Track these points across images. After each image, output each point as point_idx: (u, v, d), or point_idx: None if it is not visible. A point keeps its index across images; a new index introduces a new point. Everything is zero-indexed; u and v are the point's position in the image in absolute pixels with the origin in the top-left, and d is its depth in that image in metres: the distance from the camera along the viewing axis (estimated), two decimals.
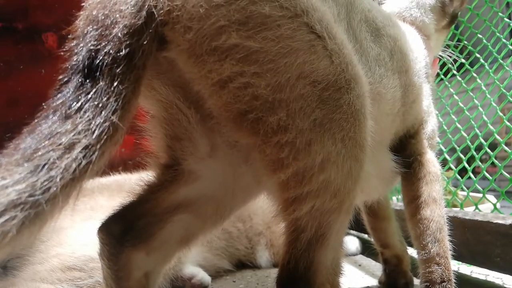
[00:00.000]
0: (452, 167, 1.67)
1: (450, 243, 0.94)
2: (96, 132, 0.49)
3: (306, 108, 0.59)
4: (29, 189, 0.43)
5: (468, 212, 1.29)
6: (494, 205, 1.34)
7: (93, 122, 0.49)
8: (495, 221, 1.11)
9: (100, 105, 0.50)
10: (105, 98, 0.50)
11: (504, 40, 1.51)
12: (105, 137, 0.49)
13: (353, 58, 0.66)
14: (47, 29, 1.84)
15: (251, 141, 0.61)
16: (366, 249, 1.69)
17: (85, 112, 0.49)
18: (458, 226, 0.99)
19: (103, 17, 0.54)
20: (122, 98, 0.52)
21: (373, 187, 1.06)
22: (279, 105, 0.58)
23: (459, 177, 1.66)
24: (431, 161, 1.00)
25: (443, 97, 1.84)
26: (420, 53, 1.10)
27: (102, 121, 0.49)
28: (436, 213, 0.93)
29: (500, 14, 1.55)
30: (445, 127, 1.75)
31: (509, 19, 1.52)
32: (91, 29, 0.54)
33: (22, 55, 1.80)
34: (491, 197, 1.43)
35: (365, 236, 1.84)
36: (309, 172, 0.60)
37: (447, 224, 0.95)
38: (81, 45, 0.53)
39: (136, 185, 0.76)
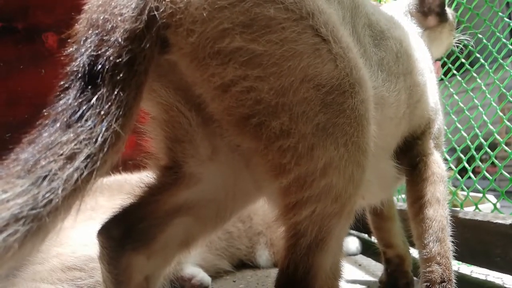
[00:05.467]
0: (452, 167, 1.67)
1: (451, 243, 0.94)
2: (99, 141, 0.48)
3: (309, 112, 0.59)
4: (31, 202, 0.42)
5: (468, 212, 1.29)
6: (494, 205, 1.34)
7: (95, 131, 0.48)
8: (495, 221, 1.12)
9: (102, 112, 0.49)
10: (107, 106, 0.49)
11: (504, 40, 1.50)
12: (108, 145, 0.49)
13: (358, 61, 0.66)
14: (47, 29, 1.83)
15: (253, 145, 0.61)
16: (366, 249, 1.70)
17: (86, 120, 0.48)
18: (458, 226, 0.98)
19: (103, 21, 0.53)
20: (124, 105, 0.51)
21: (374, 194, 1.06)
22: (282, 109, 0.58)
23: (459, 177, 1.66)
24: (436, 162, 1.00)
25: (443, 97, 1.83)
26: (423, 50, 1.10)
27: (104, 129, 0.49)
28: (439, 213, 0.93)
29: (500, 14, 1.54)
30: (445, 127, 1.74)
31: (509, 19, 1.51)
32: (91, 33, 0.53)
33: (22, 55, 1.79)
34: (491, 197, 1.43)
35: (365, 236, 1.85)
36: (311, 177, 0.59)
37: (449, 224, 0.95)
38: (82, 50, 0.52)
39: (137, 187, 0.75)
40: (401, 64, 0.91)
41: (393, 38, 0.91)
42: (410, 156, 1.01)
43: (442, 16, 1.29)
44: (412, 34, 1.12)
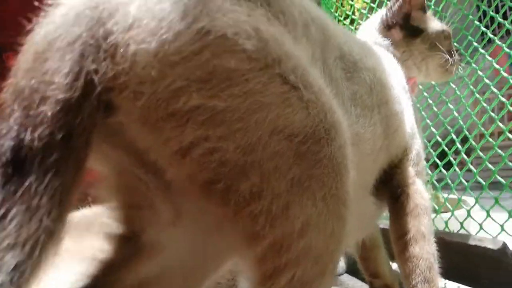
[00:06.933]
0: (437, 160, 1.63)
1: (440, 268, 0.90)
2: (27, 246, 0.41)
3: (282, 167, 0.52)
4: None
5: (455, 234, 1.27)
6: (480, 225, 1.29)
7: (22, 234, 0.41)
8: (483, 245, 1.09)
9: (30, 208, 0.42)
10: (37, 199, 0.42)
11: (483, 29, 1.44)
12: (39, 248, 0.41)
13: (332, 103, 0.59)
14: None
15: (221, 212, 0.54)
16: (351, 268, 1.64)
17: (11, 220, 0.41)
18: (445, 248, 0.94)
19: (30, 91, 0.45)
20: (60, 192, 0.43)
21: (355, 235, 1.02)
22: (251, 168, 0.51)
23: (444, 170, 1.63)
24: (418, 191, 0.94)
25: (425, 89, 1.78)
26: (397, 74, 1.04)
27: (33, 230, 0.41)
28: (426, 250, 0.88)
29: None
30: (429, 121, 1.70)
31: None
32: (16, 107, 0.44)
33: None
34: (470, 199, 1.39)
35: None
36: (288, 240, 0.53)
37: (436, 261, 0.90)
38: (4, 131, 0.44)
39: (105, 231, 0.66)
40: (375, 96, 0.85)
41: (366, 69, 0.85)
42: (391, 187, 0.95)
43: (408, 30, 1.16)
44: (384, 56, 1.06)
